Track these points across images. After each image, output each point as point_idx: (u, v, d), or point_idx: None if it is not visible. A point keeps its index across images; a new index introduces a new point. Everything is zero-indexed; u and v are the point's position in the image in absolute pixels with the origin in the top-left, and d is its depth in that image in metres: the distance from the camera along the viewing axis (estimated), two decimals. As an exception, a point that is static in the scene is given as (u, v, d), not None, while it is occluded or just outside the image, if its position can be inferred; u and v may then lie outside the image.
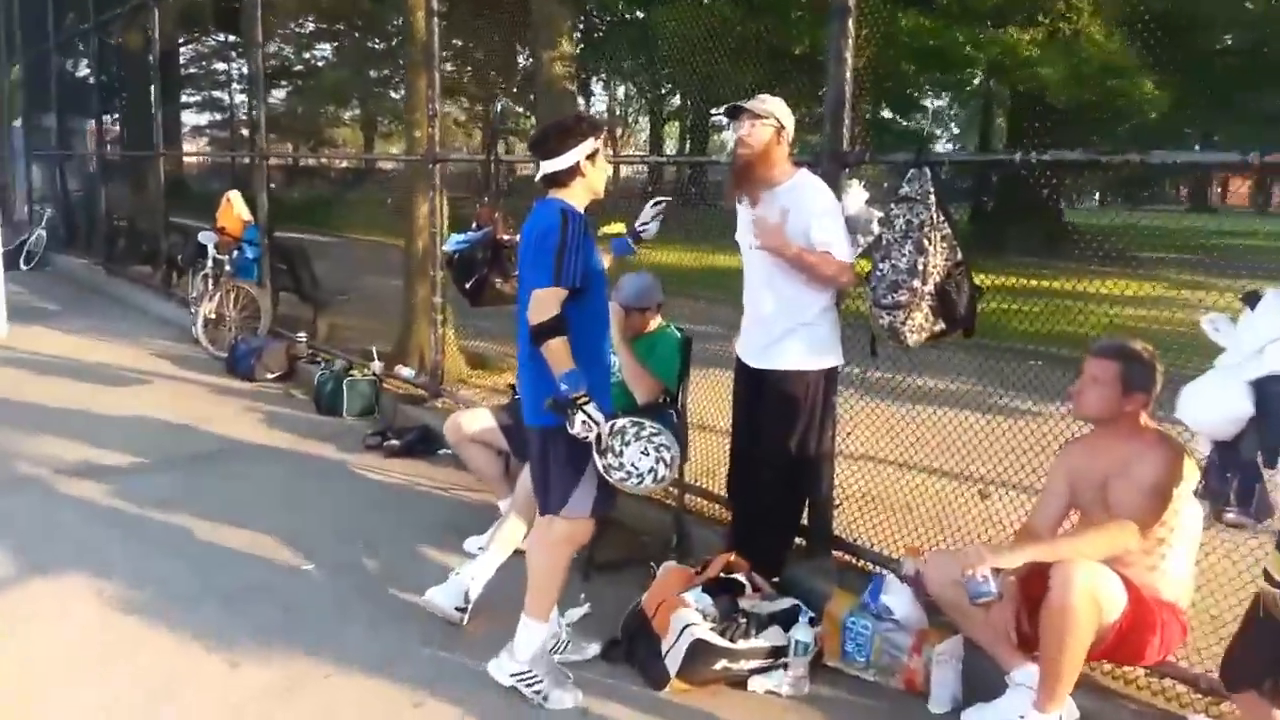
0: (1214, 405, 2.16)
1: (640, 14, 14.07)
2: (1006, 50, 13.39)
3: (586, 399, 2.61)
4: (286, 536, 4.07)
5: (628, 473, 2.68)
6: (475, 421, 4.03)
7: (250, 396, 6.53)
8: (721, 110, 3.62)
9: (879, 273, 3.12)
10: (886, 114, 19.50)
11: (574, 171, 2.76)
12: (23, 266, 13.01)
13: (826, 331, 3.32)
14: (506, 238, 4.38)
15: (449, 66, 6.07)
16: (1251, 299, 2.18)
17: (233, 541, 4.03)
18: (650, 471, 2.69)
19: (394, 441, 5.27)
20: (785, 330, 3.30)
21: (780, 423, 3.33)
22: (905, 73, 15.26)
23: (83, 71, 13.65)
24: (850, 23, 3.28)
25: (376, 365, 6.28)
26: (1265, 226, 24.76)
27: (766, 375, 3.36)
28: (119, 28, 10.68)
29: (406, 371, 6.28)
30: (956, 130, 37.18)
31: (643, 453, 2.69)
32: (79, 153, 13.96)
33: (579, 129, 2.78)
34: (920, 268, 3.04)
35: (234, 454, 5.28)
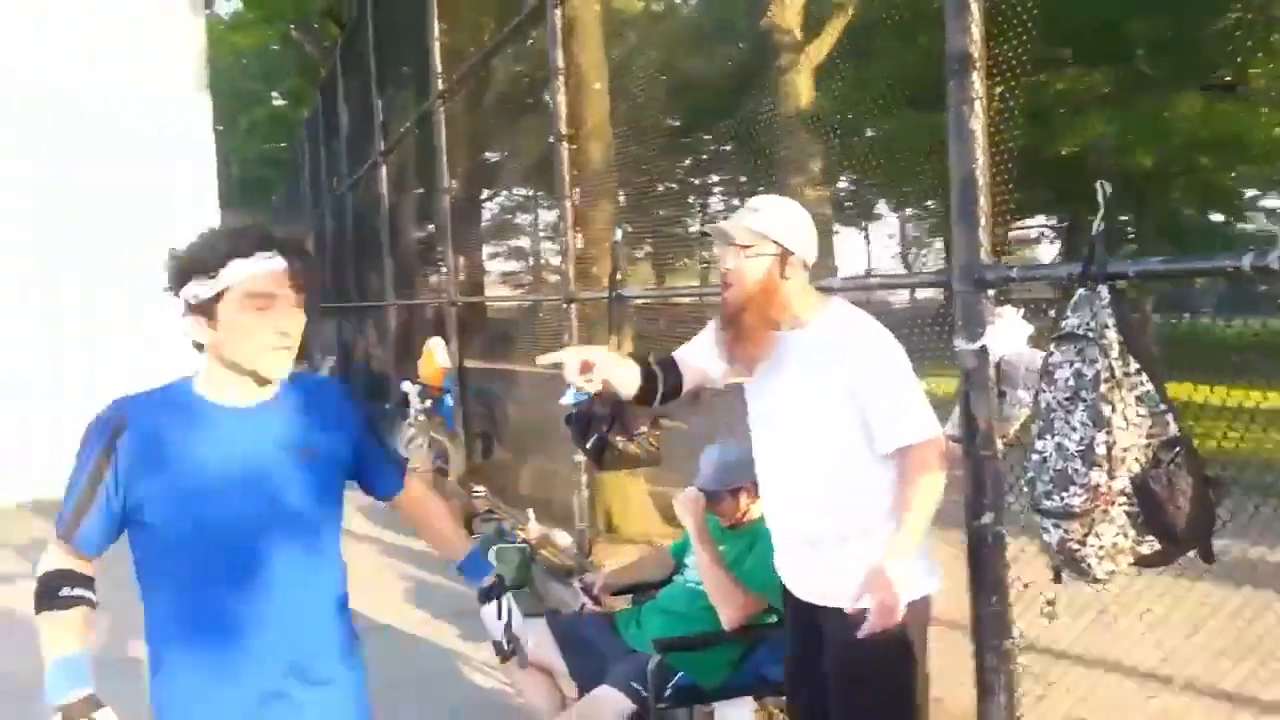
0: None
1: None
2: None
3: None
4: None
5: None
6: (531, 636, 3.13)
7: (413, 559, 6.07)
8: (703, 230, 2.48)
9: (1037, 456, 1.94)
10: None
11: None
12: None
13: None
14: None
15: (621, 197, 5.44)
16: None
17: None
18: None
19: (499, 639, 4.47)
20: (838, 541, 2.16)
21: (849, 687, 2.18)
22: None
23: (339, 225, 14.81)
24: (976, 78, 2.20)
25: (533, 528, 5.59)
26: None
27: (820, 612, 2.22)
28: (354, 185, 11.40)
29: (562, 538, 5.53)
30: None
31: None
32: (339, 304, 15.08)
33: None
34: (1101, 449, 1.84)
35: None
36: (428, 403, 7.72)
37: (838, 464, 2.14)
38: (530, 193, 7.33)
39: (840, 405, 2.10)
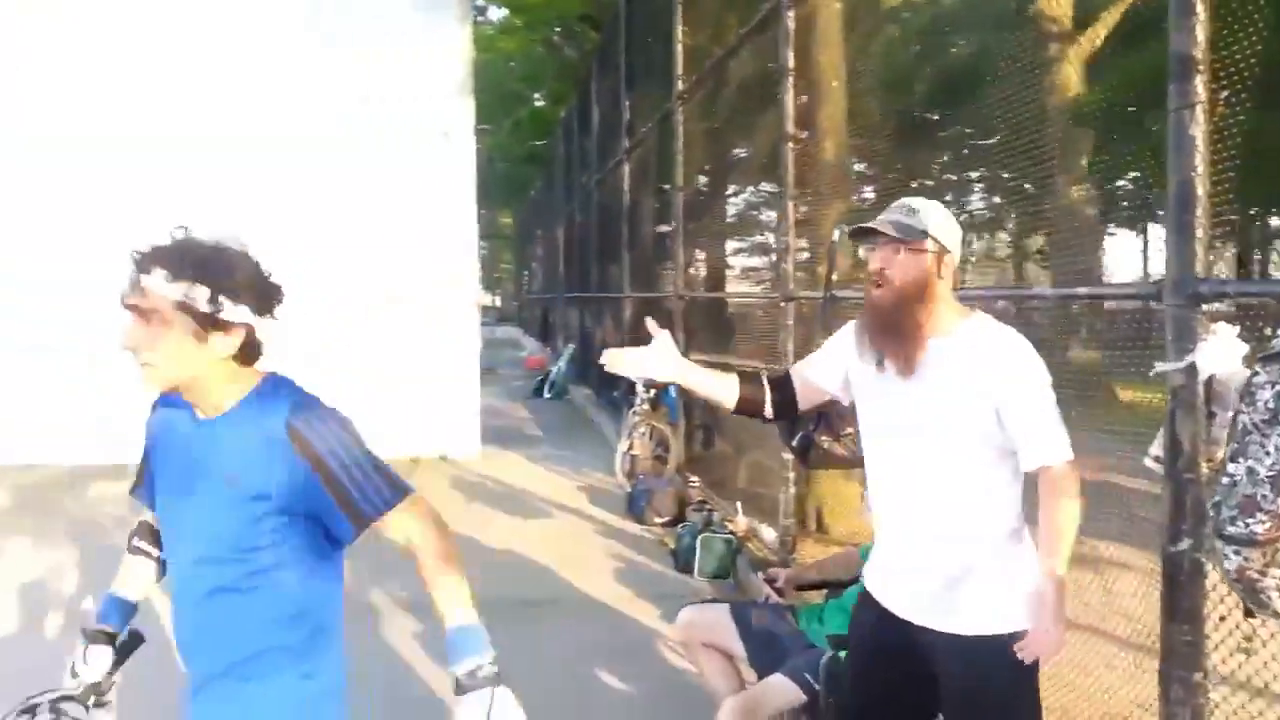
0: None
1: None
2: None
3: None
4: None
5: None
6: (712, 619, 3.26)
7: (628, 541, 6.35)
8: (847, 230, 2.42)
9: (1227, 479, 1.83)
10: None
11: None
12: (545, 395, 14.80)
13: (1029, 574, 2.08)
14: None
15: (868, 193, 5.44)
16: None
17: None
18: None
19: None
20: (962, 570, 2.09)
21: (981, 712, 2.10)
22: None
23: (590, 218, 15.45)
24: (1199, 83, 2.08)
25: (740, 521, 5.71)
26: None
27: (922, 634, 2.14)
28: (600, 181, 11.89)
29: (767, 533, 5.61)
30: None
31: None
32: (576, 294, 15.76)
33: None
34: (1299, 477, 1.72)
35: (561, 607, 5.08)
36: (652, 393, 8.01)
37: (967, 480, 2.08)
38: (761, 191, 7.40)
39: (980, 418, 2.05)
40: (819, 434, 4.18)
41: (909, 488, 2.16)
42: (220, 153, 9.04)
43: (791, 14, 4.95)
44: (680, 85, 7.61)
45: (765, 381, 2.37)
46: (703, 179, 7.85)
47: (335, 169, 9.21)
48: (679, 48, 7.66)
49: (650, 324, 2.41)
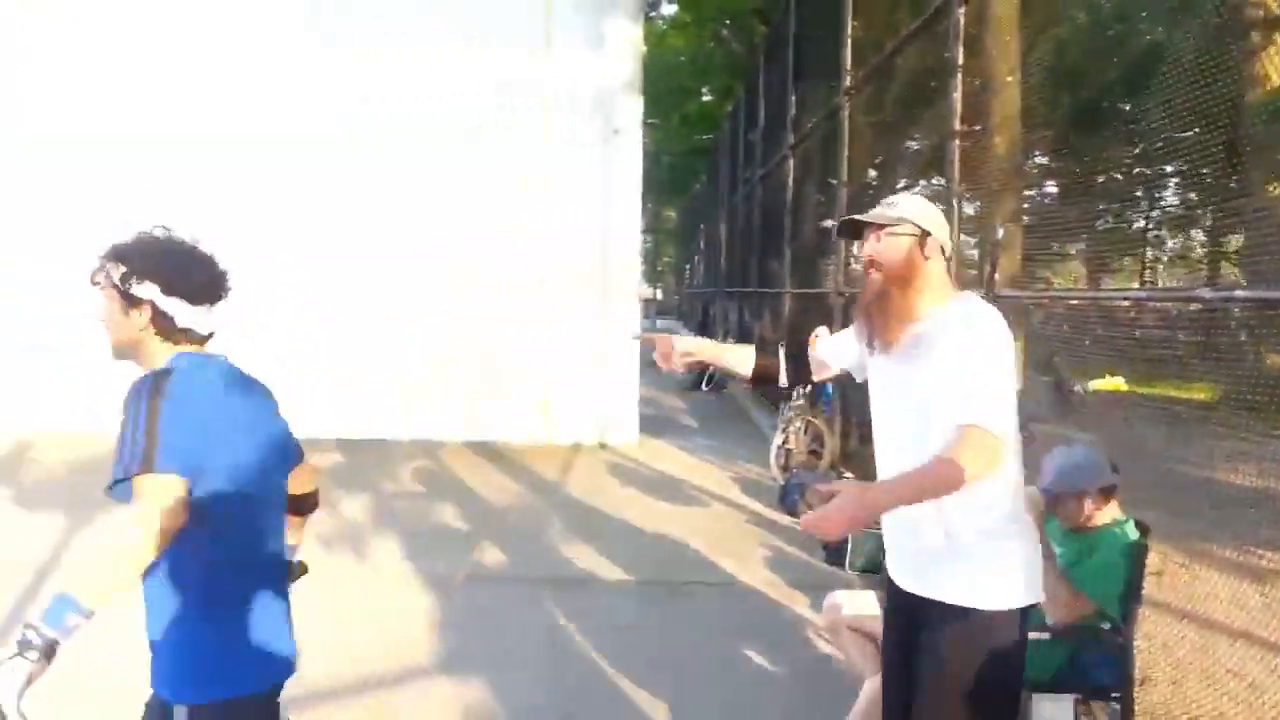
0: None
1: None
2: None
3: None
4: (691, 698, 3.82)
5: None
6: (859, 604, 3.32)
7: (779, 532, 6.42)
8: (833, 228, 2.54)
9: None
10: None
11: None
12: (703, 388, 14.97)
13: (1016, 557, 2.16)
14: None
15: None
16: None
17: (614, 685, 3.93)
18: None
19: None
20: (943, 541, 2.17)
21: (940, 682, 2.17)
22: None
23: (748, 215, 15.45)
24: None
25: (894, 518, 5.68)
26: None
27: (914, 601, 2.25)
28: (765, 176, 11.91)
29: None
30: None
31: None
32: (736, 289, 15.79)
33: None
34: None
35: (713, 590, 5.22)
36: (809, 388, 8.03)
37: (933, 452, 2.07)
38: (929, 186, 7.27)
39: (938, 389, 2.08)
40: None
41: (897, 461, 2.22)
42: (260, 153, 9.22)
43: (962, 10, 4.89)
44: (848, 80, 7.58)
45: (780, 352, 2.62)
46: (869, 174, 7.80)
47: (507, 163, 9.62)
48: (848, 42, 7.64)
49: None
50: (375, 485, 7.60)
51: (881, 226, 2.25)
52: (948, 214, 5.11)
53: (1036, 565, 2.21)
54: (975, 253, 5.34)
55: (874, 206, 2.34)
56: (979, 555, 2.15)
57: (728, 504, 7.18)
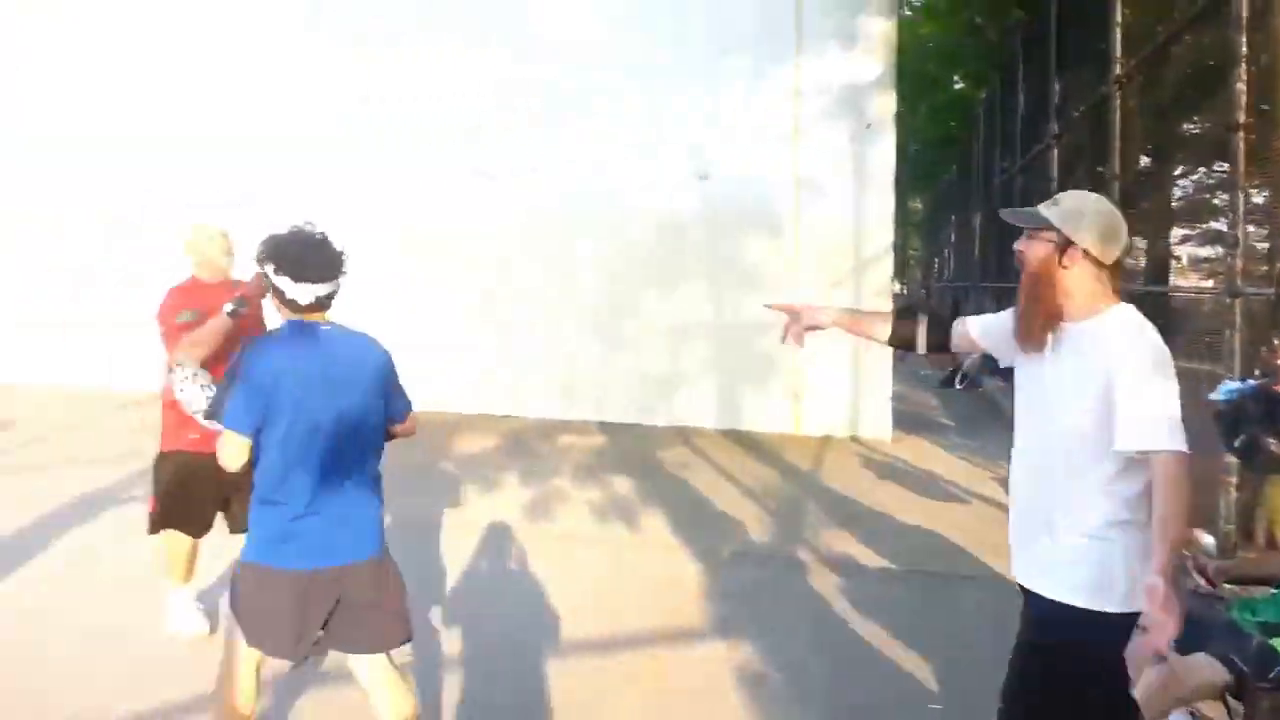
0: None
1: None
2: None
3: None
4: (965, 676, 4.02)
5: None
6: (1201, 678, 2.96)
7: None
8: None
9: None
10: None
11: None
12: (957, 386, 14.66)
13: (1124, 555, 2.16)
14: None
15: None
16: None
17: (885, 658, 4.18)
18: None
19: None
20: (1061, 543, 2.24)
21: (1050, 682, 2.26)
22: None
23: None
24: None
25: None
26: None
27: (1036, 601, 2.33)
28: (1024, 168, 11.49)
29: (1207, 540, 5.31)
30: None
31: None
32: (990, 283, 15.26)
33: None
34: None
35: (976, 584, 5.32)
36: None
37: (1077, 460, 2.16)
38: (1210, 176, 6.91)
39: (1092, 401, 2.12)
40: (1265, 434, 4.07)
41: (1031, 460, 2.33)
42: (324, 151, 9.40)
43: (1245, -2, 4.72)
44: (1118, 68, 7.32)
45: (922, 319, 2.64)
46: (1140, 166, 7.48)
47: (757, 160, 9.97)
48: (1117, 28, 7.37)
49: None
50: (638, 465, 8.20)
51: (1030, 229, 2.28)
52: (1231, 207, 4.97)
53: (1136, 570, 2.17)
54: (1265, 245, 5.11)
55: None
56: (1087, 559, 2.20)
57: (989, 503, 7.17)
